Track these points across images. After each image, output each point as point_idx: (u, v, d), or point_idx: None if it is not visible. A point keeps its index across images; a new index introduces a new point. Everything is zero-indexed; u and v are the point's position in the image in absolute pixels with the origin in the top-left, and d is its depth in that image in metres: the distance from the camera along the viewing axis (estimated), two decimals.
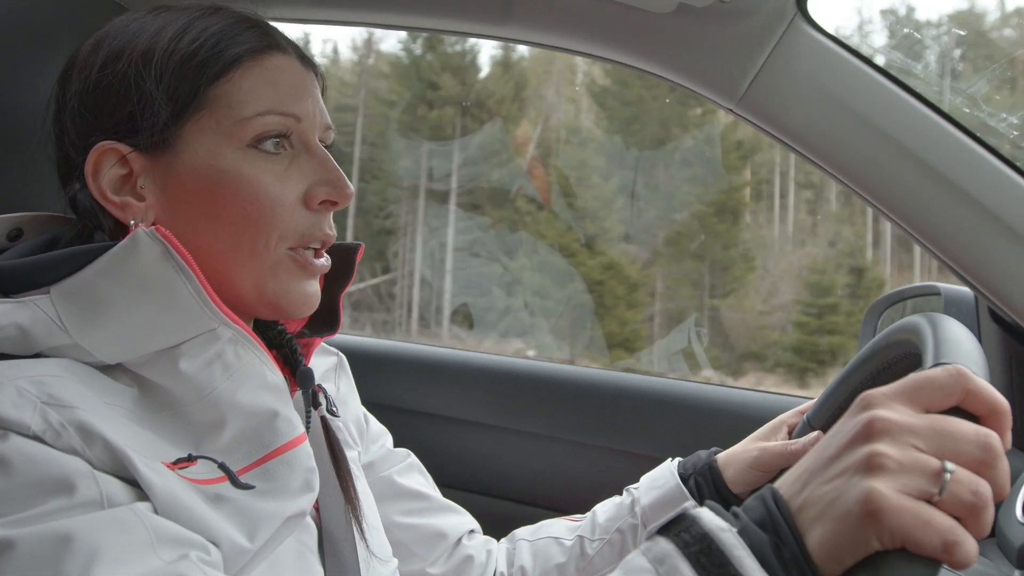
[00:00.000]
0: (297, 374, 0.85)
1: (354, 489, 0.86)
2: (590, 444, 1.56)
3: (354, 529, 0.84)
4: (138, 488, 0.62)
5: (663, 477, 1.07)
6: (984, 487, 0.49)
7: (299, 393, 0.86)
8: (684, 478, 1.05)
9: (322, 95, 0.86)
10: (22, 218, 0.79)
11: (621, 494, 1.11)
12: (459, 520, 1.11)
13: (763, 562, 0.49)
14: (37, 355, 0.68)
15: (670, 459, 1.11)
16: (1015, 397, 1.22)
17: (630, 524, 1.05)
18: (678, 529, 0.53)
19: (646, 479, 1.09)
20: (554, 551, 1.08)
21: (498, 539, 1.16)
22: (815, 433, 0.98)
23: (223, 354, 0.72)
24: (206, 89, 0.74)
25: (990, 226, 1.05)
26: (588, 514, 1.11)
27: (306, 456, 0.76)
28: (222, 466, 0.70)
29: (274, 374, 0.76)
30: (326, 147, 0.84)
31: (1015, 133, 1.14)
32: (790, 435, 1.03)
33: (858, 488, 0.48)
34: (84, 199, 0.76)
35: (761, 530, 0.51)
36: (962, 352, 0.66)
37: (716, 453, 1.07)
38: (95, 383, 0.67)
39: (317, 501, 0.80)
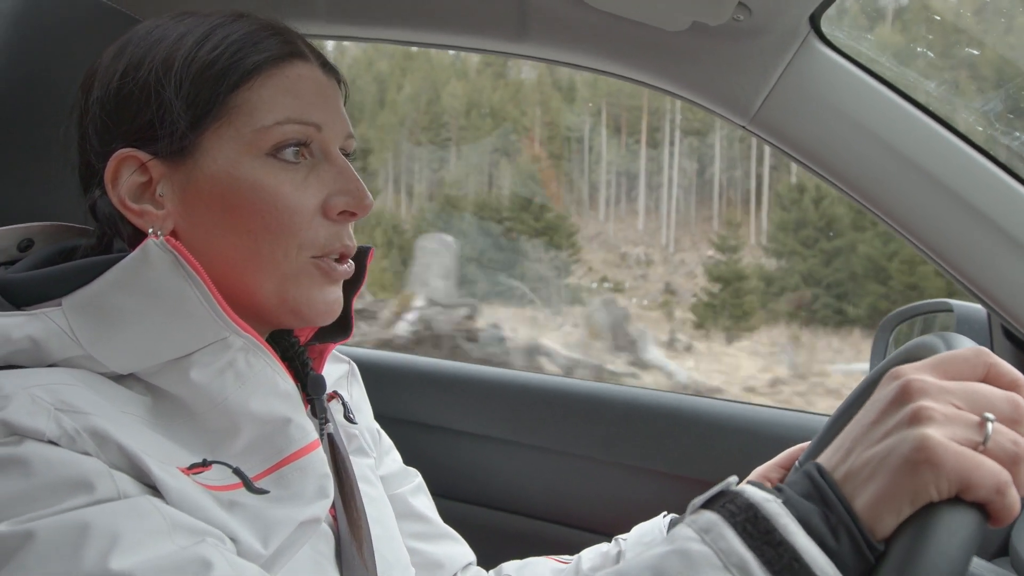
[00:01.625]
0: (308, 382, 0.85)
1: (359, 506, 0.84)
2: (601, 459, 1.56)
3: (370, 538, 0.83)
4: (154, 490, 0.63)
5: (652, 533, 1.06)
6: (1022, 439, 0.51)
7: (312, 403, 0.85)
8: None
9: (344, 103, 0.85)
10: (32, 228, 0.80)
11: (630, 510, 1.11)
12: (458, 551, 1.10)
13: (810, 529, 0.50)
14: (51, 366, 0.68)
15: (663, 514, 1.10)
16: None
17: None
18: (723, 501, 0.54)
19: (636, 533, 1.08)
20: None
21: (508, 555, 1.15)
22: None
23: (235, 362, 0.72)
24: (226, 97, 0.74)
25: (1003, 244, 1.05)
26: (573, 559, 1.10)
27: (320, 462, 0.76)
28: (237, 471, 0.70)
29: (286, 382, 0.76)
30: (347, 155, 0.83)
31: None
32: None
33: (911, 438, 0.50)
34: (104, 206, 0.76)
35: (807, 500, 0.52)
36: None
37: None
38: (109, 392, 0.67)
39: (335, 509, 0.80)
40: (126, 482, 0.61)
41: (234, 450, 0.71)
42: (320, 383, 0.86)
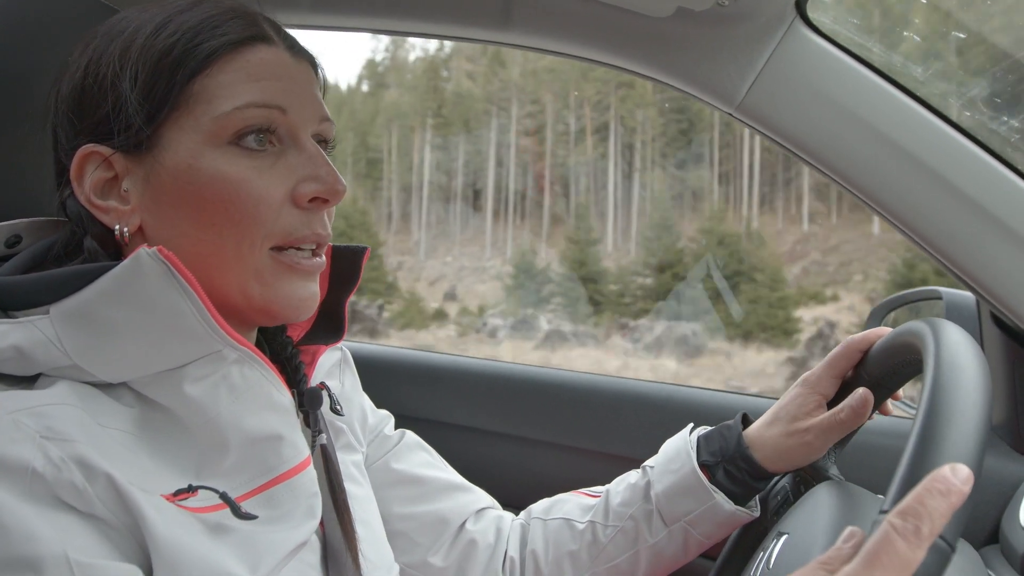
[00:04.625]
0: (305, 397, 0.82)
1: (351, 523, 0.82)
2: (590, 449, 1.56)
3: (356, 547, 0.81)
4: (128, 531, 0.61)
5: (679, 459, 1.00)
6: None
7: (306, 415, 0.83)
8: (710, 465, 0.99)
9: (323, 88, 0.82)
10: (19, 225, 0.78)
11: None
12: (464, 500, 1.07)
13: None
14: (38, 375, 0.67)
15: (689, 428, 1.05)
16: (1018, 401, 1.21)
17: (644, 511, 1.00)
18: None
19: (662, 457, 1.03)
20: (566, 537, 1.04)
21: None
22: (861, 391, 0.91)
23: (229, 376, 0.70)
24: (183, 86, 0.71)
25: (992, 230, 1.04)
26: (603, 492, 1.06)
27: (310, 481, 0.75)
28: (223, 496, 0.68)
29: (281, 394, 0.75)
30: (326, 142, 0.80)
31: (1016, 137, 1.14)
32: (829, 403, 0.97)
33: None
34: (72, 204, 0.75)
35: None
36: (961, 363, 0.66)
37: (739, 427, 1.00)
38: (96, 405, 0.66)
39: (323, 520, 0.79)
40: (86, 570, 0.58)
41: (223, 467, 0.70)
42: (316, 397, 0.83)
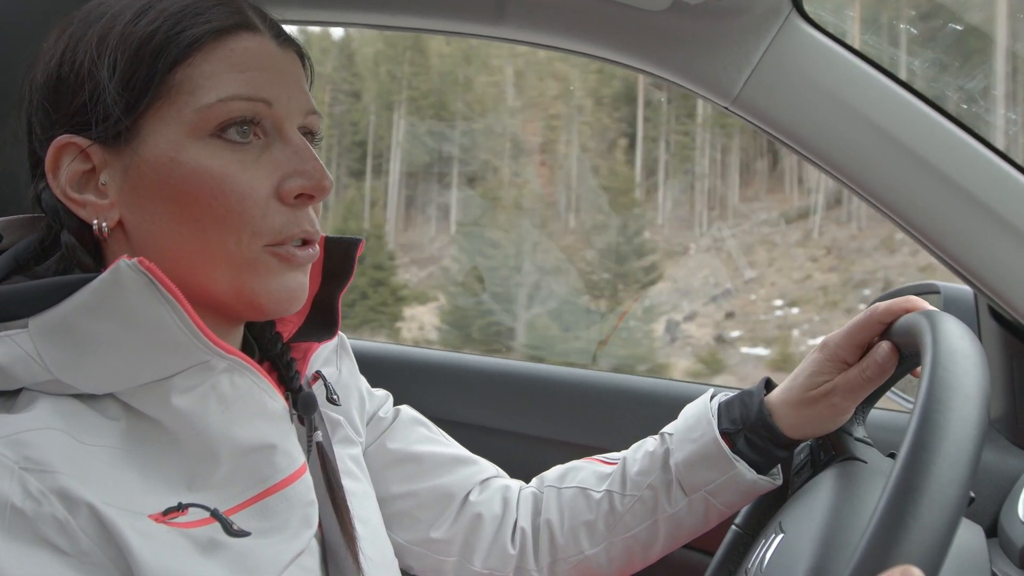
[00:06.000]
0: (299, 402, 0.80)
1: (350, 522, 0.80)
2: (589, 445, 1.54)
3: (356, 551, 0.80)
4: (112, 563, 0.59)
5: (700, 427, 0.96)
6: None
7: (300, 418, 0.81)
8: (731, 433, 0.95)
9: (309, 78, 0.80)
10: None
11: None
12: (467, 473, 1.04)
13: None
14: (20, 389, 0.65)
15: (709, 393, 1.02)
16: (1016, 395, 1.21)
17: (663, 480, 0.97)
18: None
19: (682, 424, 0.99)
20: (582, 506, 1.01)
21: None
22: (885, 344, 0.88)
23: (218, 385, 0.68)
24: (164, 76, 0.68)
25: (989, 224, 1.04)
26: (619, 460, 1.03)
27: (306, 489, 0.73)
28: (214, 513, 0.67)
29: (274, 400, 0.73)
30: (312, 135, 0.78)
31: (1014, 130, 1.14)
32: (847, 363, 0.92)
33: None
34: (47, 197, 0.72)
35: None
36: (959, 357, 0.65)
37: (761, 394, 0.97)
38: (79, 422, 0.64)
39: (320, 521, 0.77)
40: None
41: (213, 479, 0.68)
42: (311, 402, 0.81)
